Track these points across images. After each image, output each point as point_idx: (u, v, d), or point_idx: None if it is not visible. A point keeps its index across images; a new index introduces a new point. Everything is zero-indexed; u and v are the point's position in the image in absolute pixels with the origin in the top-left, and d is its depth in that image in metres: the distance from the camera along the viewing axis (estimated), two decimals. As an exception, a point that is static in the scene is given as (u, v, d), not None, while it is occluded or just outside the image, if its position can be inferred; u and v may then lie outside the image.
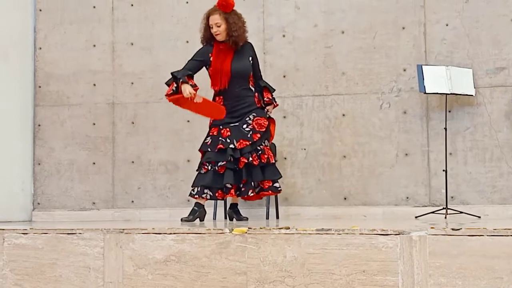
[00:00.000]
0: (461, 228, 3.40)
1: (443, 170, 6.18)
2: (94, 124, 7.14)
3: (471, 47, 6.45)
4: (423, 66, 6.25)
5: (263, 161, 5.57)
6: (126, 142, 7.07)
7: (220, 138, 5.53)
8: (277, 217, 6.46)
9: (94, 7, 7.22)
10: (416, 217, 6.14)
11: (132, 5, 7.16)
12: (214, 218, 6.44)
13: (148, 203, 6.98)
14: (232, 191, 5.54)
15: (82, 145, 7.15)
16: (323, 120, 6.69)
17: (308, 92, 6.74)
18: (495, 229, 3.33)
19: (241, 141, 5.51)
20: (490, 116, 6.37)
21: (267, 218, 6.32)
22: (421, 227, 3.66)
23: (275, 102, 5.85)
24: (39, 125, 7.23)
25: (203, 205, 5.60)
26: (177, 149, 6.96)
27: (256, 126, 5.57)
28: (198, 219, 5.56)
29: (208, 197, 5.58)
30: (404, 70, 6.56)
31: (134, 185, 7.03)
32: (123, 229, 4.00)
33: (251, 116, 5.60)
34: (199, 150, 5.68)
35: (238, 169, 5.52)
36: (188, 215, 5.53)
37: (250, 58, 5.70)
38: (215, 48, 5.66)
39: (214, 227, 4.07)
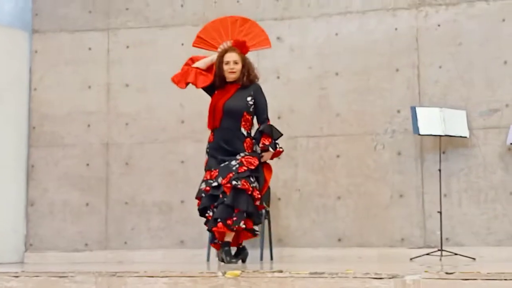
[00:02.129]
0: (455, 272, 3.38)
1: (438, 212, 6.17)
2: (88, 164, 7.12)
3: (465, 89, 6.49)
4: (417, 107, 6.28)
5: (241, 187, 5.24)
6: (120, 183, 7.05)
7: (209, 181, 5.36)
8: (271, 258, 6.42)
9: (90, 48, 7.26)
10: (411, 259, 6.10)
11: (127, 46, 7.20)
12: (208, 259, 6.39)
13: (142, 244, 6.93)
14: (220, 224, 5.25)
15: (76, 185, 7.12)
16: (318, 161, 6.69)
17: (302, 133, 6.75)
18: (488, 273, 3.31)
19: (227, 175, 5.27)
20: (484, 157, 6.38)
21: (261, 259, 6.27)
22: (416, 270, 3.63)
23: (274, 148, 5.44)
24: (33, 166, 7.21)
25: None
26: (171, 190, 6.94)
27: (244, 162, 5.32)
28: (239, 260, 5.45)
29: (217, 241, 5.45)
30: (398, 111, 6.58)
31: (128, 226, 6.99)
32: (115, 272, 3.95)
33: (242, 154, 5.37)
34: (196, 198, 5.49)
35: (225, 200, 5.24)
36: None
37: (250, 98, 5.50)
38: (219, 89, 5.57)
39: (207, 270, 4.03)
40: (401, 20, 6.67)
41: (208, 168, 5.49)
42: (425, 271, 3.48)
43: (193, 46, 5.89)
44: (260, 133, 5.46)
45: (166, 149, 7.00)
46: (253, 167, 5.35)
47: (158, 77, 7.06)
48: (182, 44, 7.06)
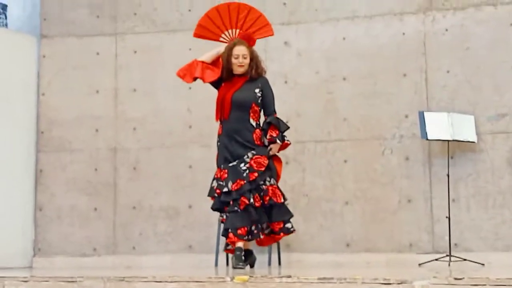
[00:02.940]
0: (463, 278, 3.37)
1: (446, 217, 6.15)
2: (96, 169, 7.14)
3: (473, 93, 6.47)
4: (424, 112, 6.27)
5: (265, 203, 5.38)
6: (127, 188, 7.06)
7: (219, 182, 5.41)
8: (279, 263, 6.41)
9: (98, 53, 7.28)
10: (419, 264, 6.08)
11: (135, 51, 7.22)
12: (216, 264, 6.38)
13: (149, 249, 6.93)
14: (230, 234, 5.32)
15: (84, 190, 7.13)
16: (326, 166, 6.69)
17: (310, 138, 6.74)
18: (498, 279, 3.30)
19: (238, 181, 5.32)
20: (492, 162, 6.36)
21: (269, 264, 6.26)
22: (424, 275, 3.62)
23: (281, 140, 5.48)
24: (41, 171, 7.23)
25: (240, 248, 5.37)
26: (178, 195, 6.94)
27: (254, 165, 5.35)
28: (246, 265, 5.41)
29: (230, 246, 5.44)
30: (406, 116, 6.57)
31: (135, 231, 6.99)
32: (124, 277, 3.96)
33: (249, 154, 5.38)
34: (209, 196, 5.56)
35: (240, 211, 5.29)
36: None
37: (258, 90, 5.53)
38: (226, 81, 5.58)
39: (215, 274, 4.03)
40: (408, 24, 6.67)
41: (218, 165, 5.52)
42: (434, 277, 3.47)
43: (194, 36, 5.92)
44: (267, 124, 5.50)
45: (173, 153, 7.01)
46: (263, 168, 5.36)
47: (166, 82, 7.07)
48: (190, 49, 7.05)
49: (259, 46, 6.98)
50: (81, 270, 5.34)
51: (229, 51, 5.54)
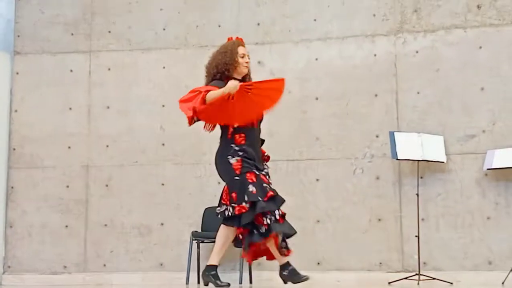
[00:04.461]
0: (430, 295, 3.42)
1: (416, 236, 6.21)
2: (67, 186, 7.11)
3: (442, 114, 6.57)
4: (395, 132, 6.35)
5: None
6: (99, 205, 7.03)
7: (265, 185, 4.87)
8: (250, 282, 6.42)
9: (71, 70, 7.28)
10: (389, 283, 6.13)
11: (109, 69, 7.23)
12: (187, 282, 6.38)
13: (121, 266, 6.90)
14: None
15: (55, 207, 7.09)
16: (298, 185, 6.73)
17: (282, 157, 6.78)
18: (464, 297, 3.35)
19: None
20: (461, 182, 6.45)
21: (240, 283, 6.27)
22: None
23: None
24: (12, 187, 7.18)
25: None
26: (150, 212, 6.93)
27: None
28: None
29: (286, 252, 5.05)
30: (377, 136, 6.65)
31: (107, 248, 6.96)
32: (93, 294, 3.95)
33: (266, 167, 5.08)
34: (248, 202, 4.81)
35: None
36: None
37: None
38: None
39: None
40: (380, 46, 6.76)
41: (250, 170, 4.90)
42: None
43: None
44: (262, 142, 5.18)
45: (146, 171, 7.01)
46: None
47: (139, 99, 7.09)
48: (164, 67, 7.10)
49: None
50: (51, 287, 5.31)
51: (235, 49, 5.09)
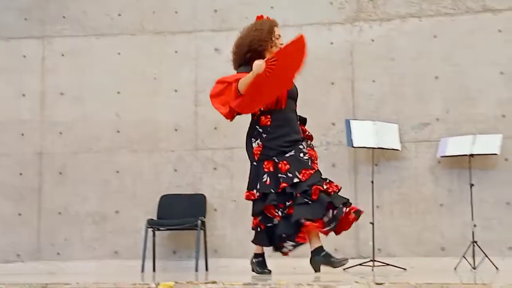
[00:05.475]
0: (385, 283, 3.45)
1: (370, 223, 6.28)
2: (20, 174, 7.00)
3: (397, 103, 6.64)
4: (351, 121, 6.40)
5: (335, 189, 4.81)
6: (53, 193, 6.95)
7: (280, 175, 4.66)
8: (206, 269, 6.42)
9: (24, 56, 7.15)
10: (344, 269, 6.18)
11: (63, 55, 7.12)
12: (142, 270, 6.34)
13: (75, 255, 6.84)
14: (319, 223, 4.77)
15: (8, 195, 6.98)
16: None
17: (239, 144, 6.74)
18: (417, 284, 3.40)
19: (303, 171, 4.65)
20: (415, 170, 6.54)
21: (196, 270, 6.27)
22: (348, 280, 3.69)
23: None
24: (-37, 175, 7.05)
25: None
26: (105, 200, 6.87)
27: (312, 157, 4.77)
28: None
29: (291, 248, 5.01)
30: (333, 124, 6.69)
31: (61, 237, 6.89)
32: (47, 284, 3.90)
33: (304, 144, 4.78)
34: (258, 192, 4.71)
35: (313, 202, 4.65)
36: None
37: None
38: None
39: (141, 281, 4.02)
40: (336, 34, 6.79)
41: (266, 158, 4.73)
42: (356, 282, 3.54)
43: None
44: (304, 120, 5.05)
45: (101, 159, 6.94)
46: (316, 161, 4.84)
47: (94, 86, 7.00)
48: (119, 53, 7.02)
49: (190, 53, 7.01)
50: (4, 276, 5.23)
51: (271, 28, 4.88)
